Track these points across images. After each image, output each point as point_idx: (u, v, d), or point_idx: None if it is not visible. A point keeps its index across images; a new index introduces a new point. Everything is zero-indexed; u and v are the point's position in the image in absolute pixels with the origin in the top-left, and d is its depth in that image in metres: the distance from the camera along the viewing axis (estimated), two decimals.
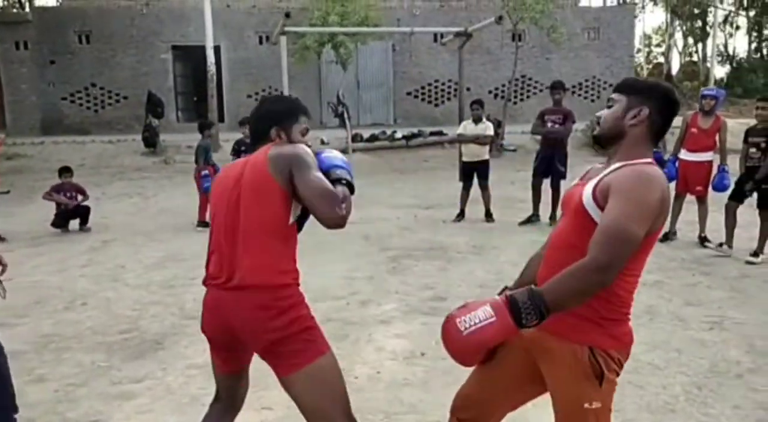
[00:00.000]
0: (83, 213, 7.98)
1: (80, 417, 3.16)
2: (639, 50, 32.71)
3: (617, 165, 1.86)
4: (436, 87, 18.98)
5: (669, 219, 6.40)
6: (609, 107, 1.94)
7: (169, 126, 16.54)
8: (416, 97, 18.93)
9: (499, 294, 1.89)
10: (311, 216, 2.28)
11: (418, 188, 11.13)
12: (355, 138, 15.26)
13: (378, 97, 18.71)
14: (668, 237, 6.67)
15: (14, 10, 18.19)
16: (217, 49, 15.63)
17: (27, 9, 17.63)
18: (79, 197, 8.07)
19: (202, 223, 7.96)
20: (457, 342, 1.72)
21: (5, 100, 16.84)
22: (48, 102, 17.19)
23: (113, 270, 6.09)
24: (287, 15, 11.13)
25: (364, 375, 3.59)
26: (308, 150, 2.25)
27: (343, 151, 14.91)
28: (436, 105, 18.85)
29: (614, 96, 1.95)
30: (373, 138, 15.51)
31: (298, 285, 2.32)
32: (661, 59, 31.56)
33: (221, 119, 16.17)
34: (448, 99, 18.77)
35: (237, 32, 17.73)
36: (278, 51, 16.93)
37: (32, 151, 14.90)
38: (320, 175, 2.16)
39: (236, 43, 17.81)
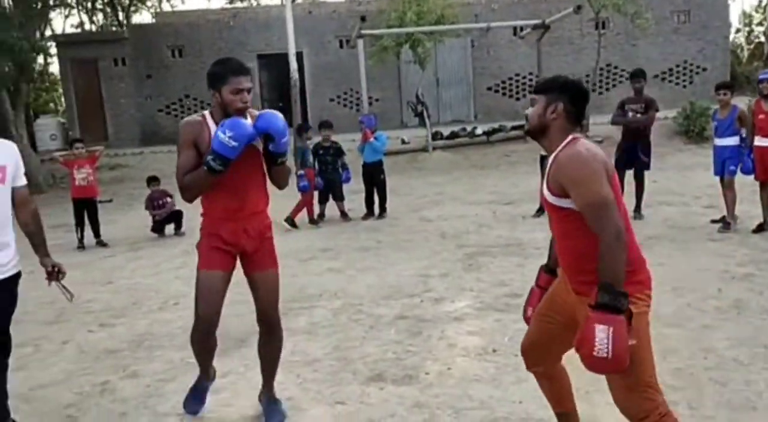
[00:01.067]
0: (177, 218, 8.44)
1: (168, 411, 3.39)
2: (738, 30, 30.81)
3: (552, 157, 2.29)
4: (516, 81, 18.69)
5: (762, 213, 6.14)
6: (532, 106, 2.41)
7: None
8: (496, 91, 18.72)
9: (539, 272, 2.65)
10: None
11: (498, 184, 11.03)
12: (436, 136, 15.26)
13: (458, 93, 18.64)
14: (763, 227, 6.34)
15: (113, 28, 19.33)
16: (299, 56, 16.06)
17: (124, 27, 18.69)
18: (168, 199, 8.53)
19: (291, 221, 8.22)
20: (613, 365, 2.04)
21: (107, 114, 18.00)
22: (146, 114, 18.23)
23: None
24: (362, 19, 11.31)
25: (434, 371, 3.64)
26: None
27: (424, 150, 15.03)
28: (517, 99, 18.55)
29: (535, 96, 2.39)
30: (453, 135, 15.47)
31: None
32: (762, 39, 29.61)
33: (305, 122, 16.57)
34: (529, 92, 18.41)
35: (318, 38, 18.15)
36: (357, 54, 17.31)
37: (132, 161, 15.86)
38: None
39: (318, 49, 18.23)
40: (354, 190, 9.21)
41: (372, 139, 8.55)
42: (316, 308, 5.01)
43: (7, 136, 13.71)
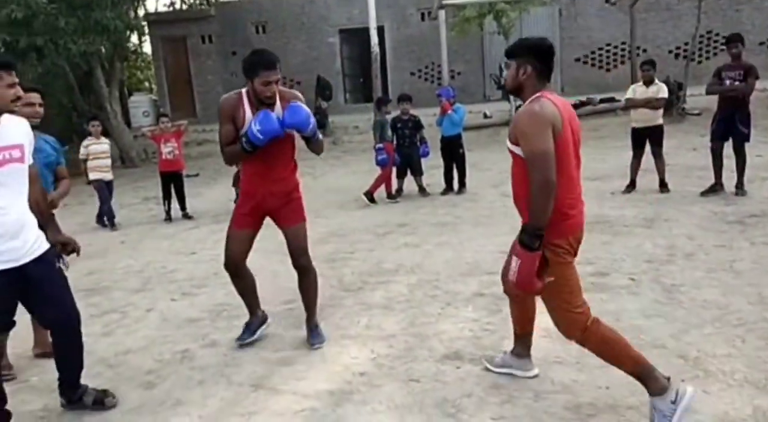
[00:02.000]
0: None
1: (243, 380, 3.40)
2: None
3: (520, 109, 2.64)
4: (607, 51, 17.79)
5: None
6: (507, 69, 2.72)
7: (337, 107, 17.20)
8: (585, 62, 17.90)
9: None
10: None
11: (585, 159, 10.41)
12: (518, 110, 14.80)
13: None
14: None
15: (201, 6, 19.79)
16: (380, 30, 15.92)
17: (211, 5, 19.08)
18: None
19: (369, 196, 8.18)
20: (517, 287, 2.61)
21: (195, 91, 18.54)
22: (231, 90, 18.56)
23: (282, 246, 6.41)
24: None
25: None
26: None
27: (506, 124, 14.61)
28: (608, 70, 17.69)
29: (508, 61, 2.70)
30: None
31: None
32: None
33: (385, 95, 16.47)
34: (621, 63, 17.54)
35: (400, 11, 17.91)
36: (439, 25, 16.95)
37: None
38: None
39: (399, 22, 18.00)
40: (433, 165, 9.05)
41: (450, 112, 8.33)
42: (391, 283, 4.92)
43: (102, 111, 14.35)
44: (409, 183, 8.65)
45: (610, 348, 2.68)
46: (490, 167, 10.38)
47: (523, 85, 2.62)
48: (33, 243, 2.82)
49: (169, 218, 8.28)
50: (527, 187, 2.52)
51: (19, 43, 11.61)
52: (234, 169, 8.84)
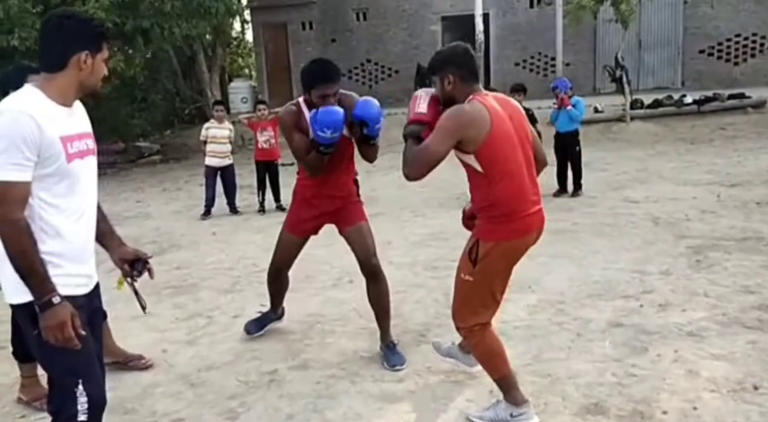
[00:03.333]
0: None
1: (338, 418, 2.88)
2: None
3: None
4: (736, 42, 16.13)
5: None
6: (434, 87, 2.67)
7: None
8: (710, 55, 16.31)
9: None
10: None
11: (716, 162, 9.40)
12: (635, 104, 13.61)
13: (663, 57, 16.51)
14: None
15: None
16: (485, 17, 15.09)
17: None
18: None
19: None
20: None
21: (293, 78, 18.38)
22: None
23: (379, 247, 5.91)
24: None
25: (675, 409, 2.77)
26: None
27: (620, 120, 13.50)
28: (736, 63, 16.05)
29: (433, 79, 2.65)
30: (656, 103, 13.70)
31: None
32: None
33: (487, 89, 15.66)
34: (752, 56, 15.89)
35: None
36: (549, 14, 15.91)
37: None
38: None
39: (506, 9, 17.08)
40: None
41: (569, 106, 7.52)
42: (506, 301, 4.26)
43: (203, 97, 14.38)
44: None
45: (489, 356, 2.72)
46: (605, 167, 9.46)
47: (453, 95, 2.58)
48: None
49: (262, 209, 7.96)
50: (481, 196, 2.57)
51: (126, 26, 11.68)
52: None
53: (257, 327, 3.90)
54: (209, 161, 7.92)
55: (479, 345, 2.70)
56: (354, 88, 18.43)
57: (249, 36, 21.90)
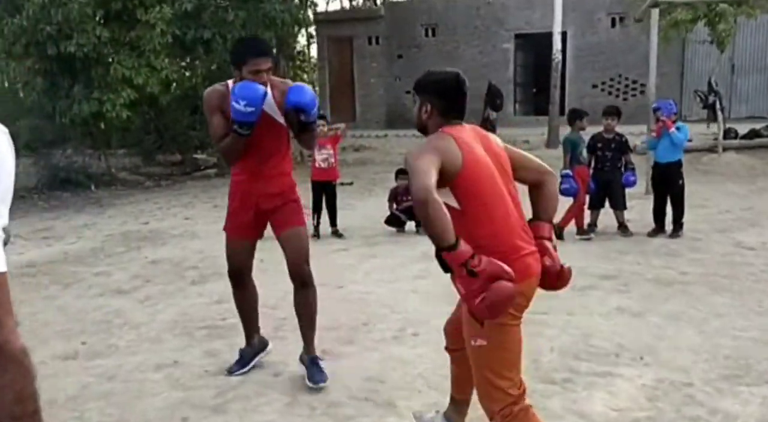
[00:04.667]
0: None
1: None
2: None
3: None
4: None
5: None
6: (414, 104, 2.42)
7: (505, 119, 15.65)
8: None
9: None
10: None
11: None
12: (728, 134, 12.39)
13: (758, 83, 15.19)
14: None
15: (368, 5, 19.11)
16: (563, 36, 14.16)
17: (380, 4, 18.29)
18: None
19: (557, 231, 6.63)
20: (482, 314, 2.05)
21: (356, 94, 17.81)
22: (393, 95, 17.71)
23: (447, 288, 5.10)
24: None
25: None
26: None
27: (710, 150, 12.29)
28: None
29: (414, 96, 2.42)
30: (752, 134, 12.44)
31: None
32: None
33: (561, 112, 14.67)
34: None
35: (587, 15, 15.98)
36: (632, 34, 14.85)
37: (376, 144, 15.35)
38: None
39: (585, 28, 16.09)
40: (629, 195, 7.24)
41: (673, 130, 6.52)
42: (615, 378, 3.35)
43: None
44: (604, 216, 6.94)
45: None
46: (703, 203, 8.36)
47: (426, 125, 2.37)
48: None
49: (317, 234, 7.22)
50: (464, 239, 2.06)
51: (187, 36, 11.30)
52: (394, 183, 7.68)
53: (239, 365, 3.56)
54: None
55: None
56: None
57: (313, 50, 21.54)
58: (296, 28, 14.32)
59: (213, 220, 8.59)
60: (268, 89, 3.10)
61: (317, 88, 20.16)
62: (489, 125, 14.19)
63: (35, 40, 10.15)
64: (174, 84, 12.73)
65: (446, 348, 2.72)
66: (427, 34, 17.51)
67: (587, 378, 3.35)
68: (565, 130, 13.47)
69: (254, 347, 3.61)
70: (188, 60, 13.26)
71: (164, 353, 3.91)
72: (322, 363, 3.37)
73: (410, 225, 7.29)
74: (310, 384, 3.24)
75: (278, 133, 3.26)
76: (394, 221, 7.30)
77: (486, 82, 15.17)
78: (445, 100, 2.32)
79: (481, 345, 2.19)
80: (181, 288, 5.42)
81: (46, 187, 12.14)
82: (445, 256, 1.95)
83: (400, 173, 7.44)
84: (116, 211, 9.68)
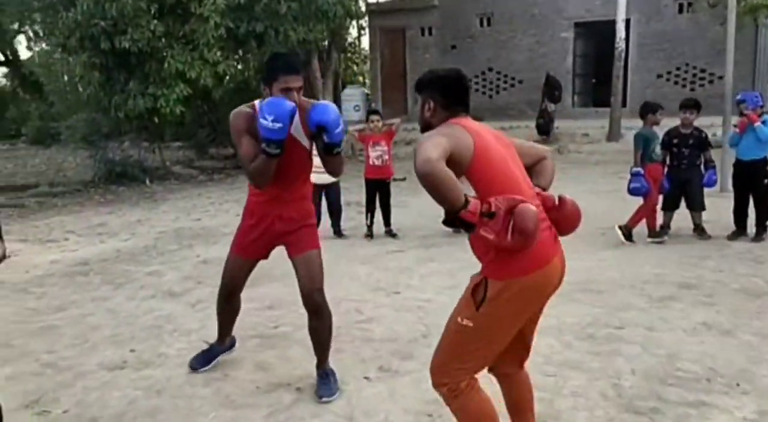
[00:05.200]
0: None
1: None
2: None
3: None
4: None
5: None
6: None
7: (563, 111, 15.05)
8: None
9: None
10: None
11: None
12: None
13: None
14: None
15: None
16: (626, 23, 13.48)
17: None
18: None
19: (627, 232, 6.23)
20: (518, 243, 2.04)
21: (408, 86, 17.47)
22: None
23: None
24: None
25: None
26: None
27: None
28: None
29: (417, 95, 2.43)
30: None
31: None
32: None
33: (623, 103, 14.03)
34: None
35: (652, 1, 15.18)
36: (701, 21, 14.07)
37: None
38: None
39: (650, 15, 15.30)
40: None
41: (759, 124, 6.00)
42: (711, 408, 2.98)
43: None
44: (676, 216, 6.45)
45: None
46: None
47: (430, 123, 2.33)
48: None
49: (370, 234, 6.97)
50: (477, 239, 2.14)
51: (240, 29, 11.18)
52: None
53: (203, 361, 3.61)
54: (313, 178, 6.96)
55: (465, 408, 2.27)
56: (473, 98, 17.21)
57: (365, 42, 21.29)
58: (348, 20, 14.07)
59: None
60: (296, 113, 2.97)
61: (368, 81, 19.93)
62: (547, 117, 13.69)
63: (89, 34, 10.18)
64: (227, 77, 12.65)
65: (493, 371, 2.48)
66: (481, 24, 16.99)
67: (678, 409, 2.98)
68: (627, 123, 12.93)
69: (224, 346, 3.68)
70: (240, 53, 13.16)
71: (215, 366, 3.71)
72: (333, 379, 3.30)
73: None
74: (318, 397, 3.19)
75: (302, 156, 3.18)
76: (452, 222, 6.97)
77: (543, 73, 14.61)
78: (448, 94, 2.32)
79: (466, 326, 2.16)
80: None
81: (102, 180, 12.27)
82: (463, 216, 1.99)
83: None
84: (169, 206, 9.65)
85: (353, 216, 7.97)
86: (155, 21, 10.59)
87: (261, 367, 3.68)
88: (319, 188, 6.95)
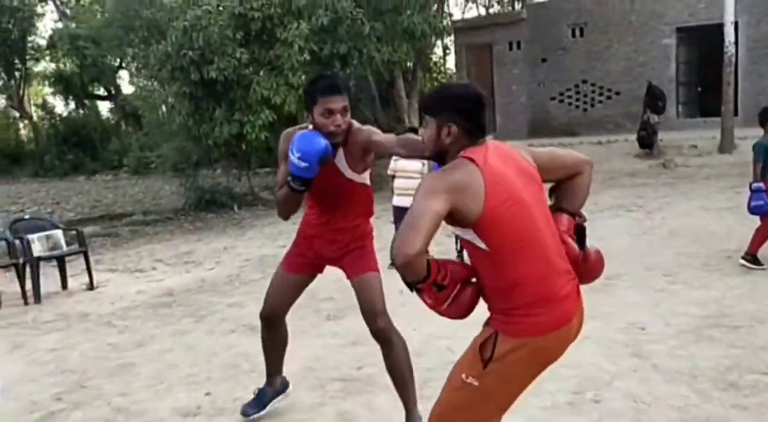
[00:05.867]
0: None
1: None
2: None
3: None
4: None
5: None
6: (424, 128, 2.04)
7: (666, 122, 14.04)
8: None
9: None
10: None
11: None
12: None
13: None
14: None
15: (509, 8, 18.14)
16: (734, 26, 12.44)
17: (521, 7, 17.27)
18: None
19: (751, 258, 5.43)
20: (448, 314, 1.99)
21: (496, 103, 16.92)
22: (536, 102, 16.63)
23: (628, 333, 4.14)
24: None
25: None
26: None
27: None
28: None
29: (426, 117, 2.03)
30: None
31: None
32: None
33: (735, 112, 12.91)
34: None
35: (762, 2, 14.01)
36: None
37: None
38: None
39: (759, 17, 14.11)
40: None
41: None
42: None
43: (400, 124, 13.46)
44: None
45: None
46: None
47: (447, 151, 1.98)
48: None
49: (461, 258, 6.45)
50: (491, 282, 1.95)
51: (323, 51, 11.06)
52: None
53: (256, 406, 3.27)
54: (396, 200, 6.51)
55: None
56: (567, 112, 16.53)
57: (449, 60, 20.94)
58: (434, 39, 13.75)
59: None
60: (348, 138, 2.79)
61: None
62: (649, 129, 12.76)
63: (179, 65, 10.33)
64: None
65: None
66: (573, 35, 16.24)
67: None
68: (740, 133, 11.84)
69: (275, 387, 3.32)
70: None
71: (294, 414, 3.34)
72: None
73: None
74: None
75: (351, 190, 2.92)
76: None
77: (642, 84, 13.72)
78: (473, 118, 1.97)
79: (470, 384, 1.95)
80: (316, 324, 4.89)
81: (192, 208, 12.43)
82: (420, 288, 1.88)
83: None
84: (256, 233, 9.54)
85: (441, 241, 7.50)
86: (241, 49, 10.64)
87: (343, 417, 3.27)
88: (401, 211, 6.52)
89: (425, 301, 1.94)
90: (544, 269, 1.92)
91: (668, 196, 9.55)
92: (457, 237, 3.04)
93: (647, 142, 12.78)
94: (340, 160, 2.82)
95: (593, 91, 16.12)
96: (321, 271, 3.18)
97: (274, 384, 3.32)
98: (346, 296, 5.70)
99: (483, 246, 1.90)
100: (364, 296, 2.95)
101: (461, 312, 1.96)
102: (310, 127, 2.79)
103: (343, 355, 4.16)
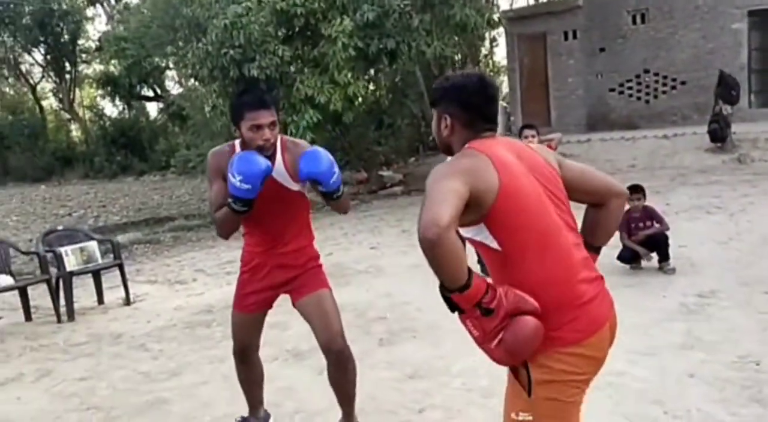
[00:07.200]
0: (661, 244, 5.58)
1: None
2: None
3: None
4: None
5: None
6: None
7: (737, 114, 12.97)
8: None
9: None
10: None
11: None
12: None
13: None
14: None
15: None
16: None
17: None
18: (655, 224, 5.70)
19: None
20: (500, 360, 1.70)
21: (551, 96, 16.07)
22: (594, 95, 15.73)
23: (741, 370, 3.45)
24: None
25: None
26: None
27: None
28: None
29: (432, 109, 2.00)
30: None
31: None
32: None
33: None
34: None
35: None
36: None
37: (578, 150, 13.56)
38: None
39: None
40: None
41: None
42: None
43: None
44: None
45: None
46: None
47: (450, 143, 1.90)
48: None
49: None
50: (494, 274, 1.78)
51: (370, 47, 10.51)
52: None
53: None
54: None
55: None
56: (628, 104, 15.57)
57: (499, 51, 20.15)
58: (488, 30, 13.07)
59: (401, 250, 7.58)
60: (278, 153, 2.73)
61: (506, 92, 18.74)
62: (722, 122, 11.80)
63: (220, 64, 9.95)
64: (358, 99, 12.06)
65: None
66: (634, 22, 15.26)
67: None
68: None
69: (259, 419, 3.23)
70: (372, 72, 12.56)
71: None
72: None
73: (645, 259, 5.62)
74: None
75: (292, 202, 2.84)
76: (629, 257, 5.68)
77: (711, 72, 12.72)
78: (469, 107, 1.86)
79: (526, 420, 1.74)
80: (368, 351, 4.33)
81: None
82: (455, 299, 1.57)
83: (633, 191, 5.73)
84: None
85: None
86: (283, 46, 10.19)
87: None
88: None
89: (471, 333, 1.65)
90: (564, 273, 1.74)
91: (749, 196, 8.67)
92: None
93: (720, 135, 11.81)
94: (280, 173, 2.75)
95: (656, 82, 15.13)
96: (273, 302, 3.05)
97: (259, 417, 3.25)
98: (399, 316, 5.18)
99: (495, 245, 1.74)
100: (321, 316, 2.82)
101: (515, 358, 1.66)
102: (237, 143, 2.76)
103: (402, 393, 3.61)
